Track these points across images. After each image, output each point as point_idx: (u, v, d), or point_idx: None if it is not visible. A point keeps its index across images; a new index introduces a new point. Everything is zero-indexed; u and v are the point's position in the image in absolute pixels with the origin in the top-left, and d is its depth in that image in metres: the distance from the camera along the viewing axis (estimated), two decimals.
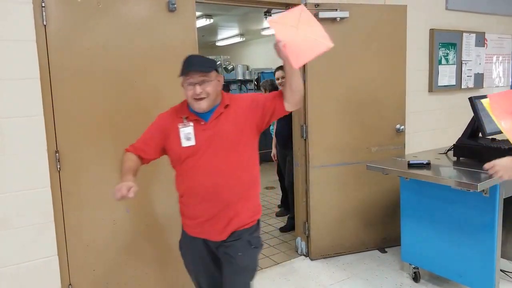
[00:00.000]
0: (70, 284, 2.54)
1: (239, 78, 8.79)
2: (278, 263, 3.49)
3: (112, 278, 2.67)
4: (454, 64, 4.19)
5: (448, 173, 2.78)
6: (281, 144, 4.20)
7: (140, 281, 2.75)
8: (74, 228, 2.52)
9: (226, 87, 5.23)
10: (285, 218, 4.47)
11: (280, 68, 4.07)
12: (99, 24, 2.50)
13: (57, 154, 2.42)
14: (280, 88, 4.18)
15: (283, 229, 4.24)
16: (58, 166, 2.44)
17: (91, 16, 2.45)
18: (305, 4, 3.16)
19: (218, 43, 9.86)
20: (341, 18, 3.26)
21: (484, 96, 2.11)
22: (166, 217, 2.80)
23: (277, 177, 4.82)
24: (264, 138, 4.26)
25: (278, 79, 4.12)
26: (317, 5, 3.23)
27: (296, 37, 1.75)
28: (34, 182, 2.34)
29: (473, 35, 4.29)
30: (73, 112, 2.45)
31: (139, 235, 2.72)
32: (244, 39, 9.11)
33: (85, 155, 2.53)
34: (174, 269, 2.87)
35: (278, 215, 4.74)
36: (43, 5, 2.30)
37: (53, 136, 2.40)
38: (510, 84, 4.82)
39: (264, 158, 7.19)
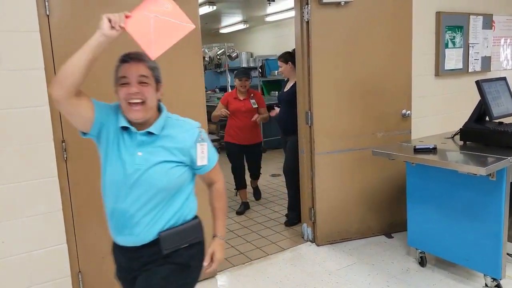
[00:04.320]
0: (79, 272, 2.58)
1: (243, 66, 8.75)
2: (284, 249, 3.52)
3: None
4: (461, 47, 4.13)
5: (454, 157, 2.77)
6: (281, 129, 4.17)
7: None
8: (82, 216, 2.55)
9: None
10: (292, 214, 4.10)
11: (284, 56, 4.01)
12: (102, 13, 2.48)
13: (63, 143, 2.44)
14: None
15: (287, 224, 4.06)
16: (65, 156, 2.46)
17: (93, 6, 2.44)
18: None
19: (222, 31, 9.78)
20: (346, 2, 3.21)
21: (491, 80, 2.09)
22: None
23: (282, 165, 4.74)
24: (269, 126, 4.25)
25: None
26: None
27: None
28: (42, 171, 2.37)
29: (480, 17, 4.22)
30: None
31: None
32: (247, 26, 9.03)
33: (91, 144, 2.52)
34: None
35: (287, 225, 4.06)
36: None
37: (59, 126, 2.42)
38: None
39: (269, 146, 7.23)
